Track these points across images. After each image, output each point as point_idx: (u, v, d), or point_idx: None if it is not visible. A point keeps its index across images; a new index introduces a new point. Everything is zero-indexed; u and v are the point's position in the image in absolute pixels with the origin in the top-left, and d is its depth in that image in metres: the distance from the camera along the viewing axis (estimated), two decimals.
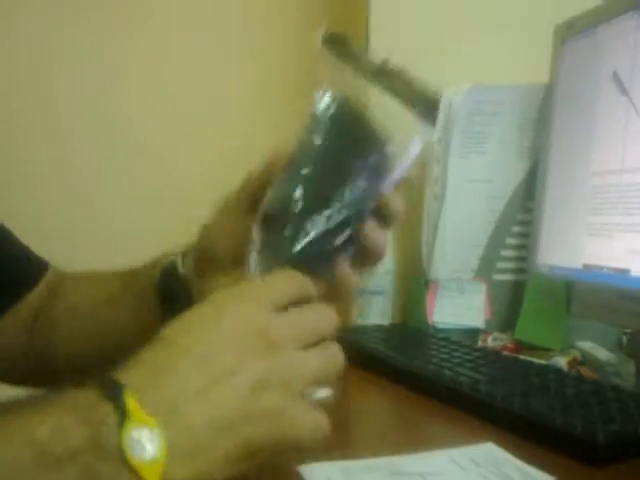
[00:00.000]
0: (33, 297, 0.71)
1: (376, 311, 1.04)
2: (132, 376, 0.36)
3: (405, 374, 0.74)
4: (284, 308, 0.42)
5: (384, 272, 1.03)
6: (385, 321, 1.05)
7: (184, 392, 0.36)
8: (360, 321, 1.04)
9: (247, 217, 0.54)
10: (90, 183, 1.22)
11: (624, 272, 0.73)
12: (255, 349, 0.39)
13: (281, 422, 0.38)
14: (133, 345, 0.63)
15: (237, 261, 0.56)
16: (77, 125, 1.21)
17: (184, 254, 0.61)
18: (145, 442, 0.34)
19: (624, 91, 0.75)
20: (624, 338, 0.90)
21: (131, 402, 0.34)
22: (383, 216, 0.51)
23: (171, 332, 0.40)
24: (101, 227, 1.20)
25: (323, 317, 0.43)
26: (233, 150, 1.22)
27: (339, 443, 0.57)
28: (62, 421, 0.33)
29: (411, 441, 0.59)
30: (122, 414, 0.34)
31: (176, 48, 1.23)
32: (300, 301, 0.43)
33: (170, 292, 0.60)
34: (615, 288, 0.74)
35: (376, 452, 0.52)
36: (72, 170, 1.21)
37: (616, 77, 0.76)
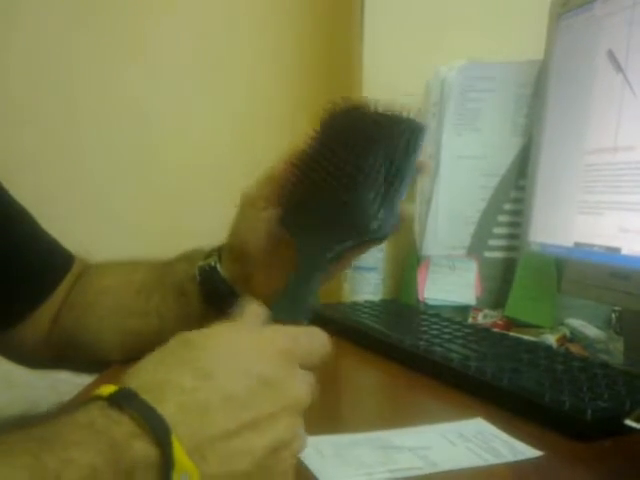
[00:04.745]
0: (62, 289, 0.72)
1: (368, 287, 1.05)
2: (171, 406, 0.35)
3: (396, 350, 0.74)
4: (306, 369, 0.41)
5: (376, 248, 1.03)
6: (376, 297, 1.05)
7: (212, 438, 0.35)
8: (352, 297, 1.05)
9: (265, 211, 0.57)
10: (94, 178, 1.21)
11: (615, 250, 0.73)
12: (285, 410, 0.38)
13: None
14: (168, 334, 0.65)
15: (268, 256, 0.59)
16: (82, 120, 1.20)
17: (219, 253, 0.63)
18: None
19: (619, 69, 0.75)
20: (613, 316, 0.91)
21: (177, 447, 0.33)
22: None
23: (213, 363, 0.37)
24: (106, 224, 1.20)
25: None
26: (237, 147, 1.22)
27: (330, 417, 0.57)
28: (93, 462, 0.32)
29: (401, 416, 0.59)
30: (169, 461, 0.33)
31: (179, 48, 1.23)
32: (315, 366, 0.42)
33: (214, 292, 0.63)
34: (605, 266, 0.75)
35: (366, 427, 0.53)
36: (76, 166, 1.20)
37: (611, 54, 0.76)
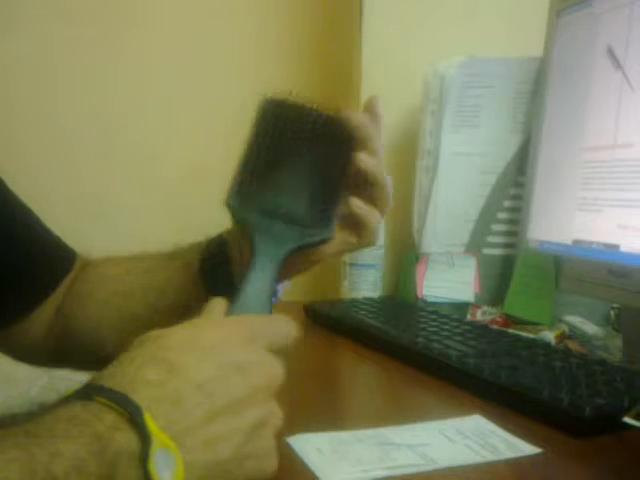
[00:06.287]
0: (65, 284, 0.72)
1: (367, 284, 1.05)
2: (142, 398, 0.36)
3: (394, 347, 0.74)
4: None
5: (375, 246, 1.03)
6: (375, 294, 1.05)
7: (189, 427, 0.36)
8: (350, 294, 1.05)
9: None
10: (90, 181, 1.21)
11: (613, 248, 0.73)
12: (259, 391, 0.39)
13: (268, 462, 0.40)
14: (171, 312, 0.64)
15: None
16: (77, 122, 1.20)
17: (229, 232, 0.63)
18: (171, 463, 0.34)
19: (618, 66, 0.74)
20: (612, 313, 0.91)
21: (152, 425, 0.35)
22: (369, 191, 0.55)
23: (176, 355, 0.39)
24: (105, 223, 1.20)
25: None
26: (236, 146, 1.21)
27: (328, 414, 0.57)
28: (78, 453, 0.33)
29: (399, 413, 0.60)
30: (146, 438, 0.34)
31: (176, 47, 1.22)
32: (283, 350, 0.44)
33: (213, 267, 0.62)
34: (604, 263, 0.75)
35: (364, 423, 0.53)
36: (71, 169, 1.20)
37: (610, 51, 0.76)
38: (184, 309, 0.62)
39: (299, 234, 0.53)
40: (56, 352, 0.72)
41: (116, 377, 0.37)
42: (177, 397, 0.37)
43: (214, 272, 0.62)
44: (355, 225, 0.56)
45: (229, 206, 0.53)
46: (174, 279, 0.65)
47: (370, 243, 0.58)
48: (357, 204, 0.55)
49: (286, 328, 0.45)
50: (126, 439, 0.34)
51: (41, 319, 0.70)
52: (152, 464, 0.34)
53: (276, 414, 0.40)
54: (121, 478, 0.33)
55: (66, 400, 0.36)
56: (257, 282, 0.50)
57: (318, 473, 0.44)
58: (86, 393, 0.36)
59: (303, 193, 0.53)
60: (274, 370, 0.41)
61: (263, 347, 0.42)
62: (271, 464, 0.40)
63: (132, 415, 0.34)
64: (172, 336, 0.40)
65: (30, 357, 0.75)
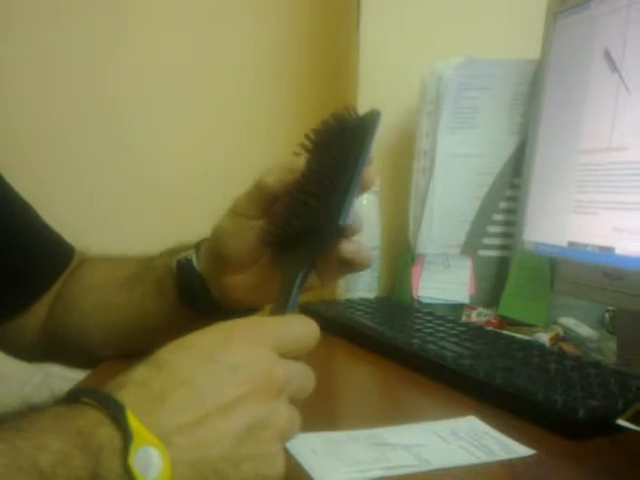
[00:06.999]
0: (60, 282, 0.72)
1: (362, 285, 1.05)
2: (126, 396, 0.36)
3: (390, 348, 0.74)
4: (287, 355, 0.41)
5: (371, 246, 1.03)
6: (371, 295, 1.05)
7: (177, 425, 0.35)
8: (346, 295, 1.05)
9: (256, 221, 0.56)
10: (89, 180, 1.21)
11: (608, 250, 0.73)
12: (255, 391, 0.38)
13: (269, 467, 0.38)
14: (147, 328, 0.64)
15: (246, 262, 0.59)
16: (76, 122, 1.20)
17: (197, 248, 0.63)
18: (154, 460, 0.34)
19: (615, 68, 0.75)
20: (606, 315, 0.91)
21: (134, 422, 0.34)
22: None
23: (169, 354, 0.38)
24: (101, 224, 1.20)
25: (310, 377, 0.42)
26: (232, 150, 1.22)
27: (323, 414, 0.57)
28: (63, 447, 0.33)
29: (394, 413, 0.60)
30: (127, 435, 0.34)
31: (176, 47, 1.22)
32: (301, 351, 0.42)
33: (188, 286, 0.63)
34: (599, 266, 0.75)
35: (360, 424, 0.53)
36: (71, 168, 1.20)
37: (607, 54, 0.76)
38: (165, 324, 0.63)
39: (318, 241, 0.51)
40: (49, 349, 0.72)
41: (111, 380, 0.37)
42: (164, 395, 0.36)
43: (188, 292, 0.63)
44: (347, 265, 0.55)
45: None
46: (150, 296, 0.65)
47: (366, 268, 0.57)
48: (346, 250, 0.53)
49: (302, 329, 0.43)
50: (109, 435, 0.34)
51: (36, 315, 0.70)
52: (132, 461, 0.33)
53: (280, 417, 0.38)
54: (105, 472, 0.33)
55: (55, 401, 0.37)
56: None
57: (313, 474, 0.44)
58: (74, 394, 0.36)
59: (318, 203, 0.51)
60: (279, 371, 0.39)
61: (270, 348, 0.40)
62: (273, 469, 0.38)
63: (113, 413, 0.34)
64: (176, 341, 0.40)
65: (25, 353, 0.75)
